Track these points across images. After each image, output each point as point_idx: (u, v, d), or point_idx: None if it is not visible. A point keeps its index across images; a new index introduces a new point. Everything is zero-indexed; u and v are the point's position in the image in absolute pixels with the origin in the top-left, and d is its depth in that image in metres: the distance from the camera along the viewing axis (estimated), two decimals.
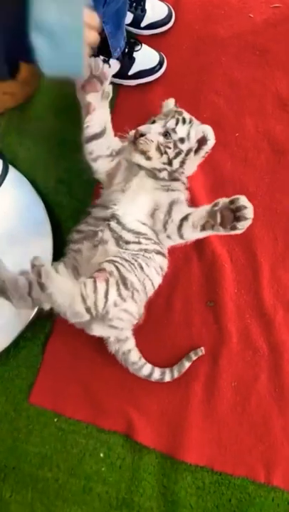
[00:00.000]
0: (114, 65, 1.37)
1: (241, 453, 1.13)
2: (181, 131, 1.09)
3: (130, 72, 1.38)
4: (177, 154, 1.08)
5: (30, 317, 1.21)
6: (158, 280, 1.13)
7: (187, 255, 1.26)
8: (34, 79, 1.43)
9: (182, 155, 1.09)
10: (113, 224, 1.07)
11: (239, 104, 1.40)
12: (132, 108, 1.42)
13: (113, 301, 0.99)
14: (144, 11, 1.40)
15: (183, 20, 1.47)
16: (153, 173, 1.10)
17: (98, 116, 1.10)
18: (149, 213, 1.09)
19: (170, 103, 1.20)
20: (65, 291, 0.96)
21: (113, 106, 1.40)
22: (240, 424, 1.15)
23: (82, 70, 0.77)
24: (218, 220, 0.98)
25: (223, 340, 1.20)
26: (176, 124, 1.09)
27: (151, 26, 1.43)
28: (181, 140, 1.09)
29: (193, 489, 1.11)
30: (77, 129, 1.39)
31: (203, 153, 1.12)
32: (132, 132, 1.08)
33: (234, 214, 0.96)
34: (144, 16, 1.41)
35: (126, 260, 1.04)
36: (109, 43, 1.25)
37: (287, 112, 1.39)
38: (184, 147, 1.09)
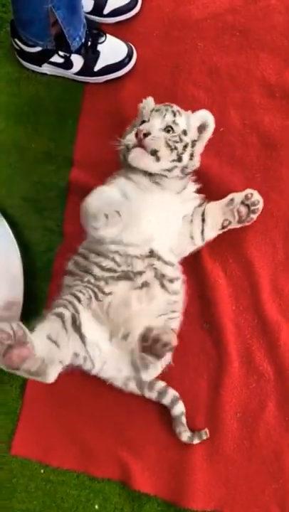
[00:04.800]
0: (78, 62, 1.20)
1: (253, 493, 1.01)
2: (182, 122, 1.04)
3: (96, 68, 1.22)
4: (185, 147, 1.03)
5: None
6: None
7: None
8: None
9: (189, 147, 1.04)
10: (156, 262, 1.00)
11: (221, 95, 1.24)
12: (101, 107, 1.26)
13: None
14: None
15: (151, 3, 1.30)
16: (164, 177, 1.03)
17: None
18: (177, 239, 1.05)
19: (150, 102, 1.11)
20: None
21: (80, 106, 1.26)
22: (250, 461, 1.02)
23: None
24: (237, 217, 1.06)
25: (224, 367, 1.06)
26: (174, 115, 1.04)
27: (115, 13, 1.26)
28: (184, 132, 1.03)
29: None
30: (41, 136, 1.25)
31: (204, 141, 1.07)
32: (131, 135, 1.01)
33: (249, 208, 1.06)
34: (106, 1, 1.24)
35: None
36: (64, 33, 1.09)
37: (276, 99, 1.23)
38: (188, 139, 1.04)
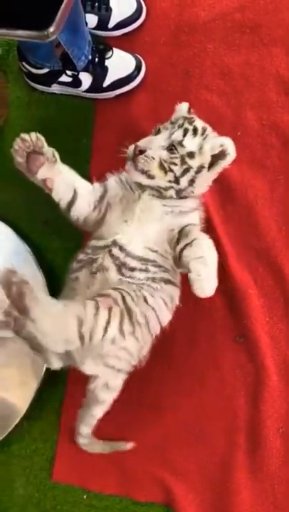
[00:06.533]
0: (86, 79, 1.19)
1: None
2: (191, 144, 0.93)
3: (105, 84, 1.19)
4: (185, 171, 0.93)
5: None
6: (166, 314, 0.97)
7: None
8: (1, 108, 1.27)
9: (191, 172, 0.93)
10: (115, 250, 0.93)
11: (236, 96, 1.19)
12: (114, 122, 1.24)
13: (112, 337, 0.85)
14: (109, 9, 1.21)
15: (155, 10, 1.26)
16: (159, 192, 0.95)
17: (61, 185, 0.99)
18: (160, 241, 0.95)
19: (183, 107, 1.03)
20: (54, 317, 0.82)
21: (93, 124, 1.24)
22: None
23: None
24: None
25: (262, 381, 1.03)
26: (184, 135, 0.93)
27: (120, 25, 1.23)
28: (190, 155, 0.93)
29: None
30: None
31: (219, 168, 0.96)
32: (131, 148, 0.94)
33: None
34: (110, 15, 1.21)
35: (132, 290, 0.90)
36: (69, 54, 1.07)
37: None
38: (194, 163, 0.93)
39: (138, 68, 1.20)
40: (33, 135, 0.96)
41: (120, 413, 1.04)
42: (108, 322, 0.84)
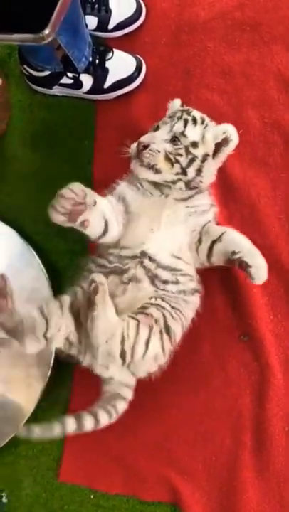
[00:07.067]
0: (87, 81, 1.19)
1: None
2: (193, 133, 0.95)
3: (106, 85, 1.20)
4: (191, 161, 0.95)
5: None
6: (188, 324, 0.99)
7: (206, 283, 1.07)
8: (3, 112, 1.28)
9: (197, 162, 0.95)
10: (146, 262, 0.95)
11: (237, 95, 1.19)
12: (115, 123, 1.24)
13: (154, 354, 0.91)
14: (108, 11, 1.21)
15: (155, 11, 1.26)
16: (168, 188, 0.97)
17: (95, 223, 0.94)
18: (183, 246, 0.98)
19: (176, 103, 1.06)
20: (109, 322, 0.87)
21: (94, 126, 1.24)
22: None
23: None
24: (237, 266, 0.95)
25: (267, 379, 1.03)
26: (185, 125, 0.95)
27: (120, 26, 1.23)
28: (194, 144, 0.95)
29: None
30: (59, 160, 1.24)
31: (223, 155, 0.98)
32: (134, 145, 0.96)
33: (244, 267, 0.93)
34: (109, 16, 1.22)
35: (172, 308, 0.94)
36: (69, 56, 1.08)
37: None
38: (199, 152, 0.95)
39: (138, 69, 1.20)
40: (77, 188, 0.89)
41: (124, 412, 1.04)
42: (148, 340, 0.88)
